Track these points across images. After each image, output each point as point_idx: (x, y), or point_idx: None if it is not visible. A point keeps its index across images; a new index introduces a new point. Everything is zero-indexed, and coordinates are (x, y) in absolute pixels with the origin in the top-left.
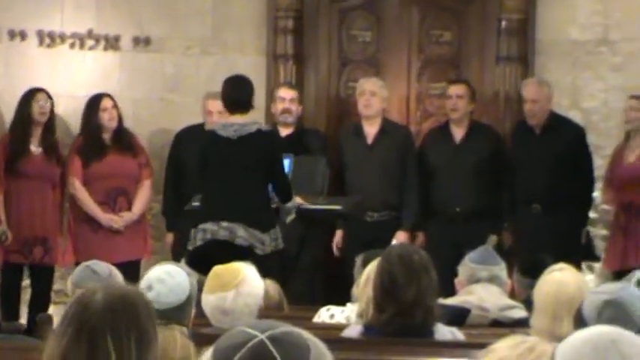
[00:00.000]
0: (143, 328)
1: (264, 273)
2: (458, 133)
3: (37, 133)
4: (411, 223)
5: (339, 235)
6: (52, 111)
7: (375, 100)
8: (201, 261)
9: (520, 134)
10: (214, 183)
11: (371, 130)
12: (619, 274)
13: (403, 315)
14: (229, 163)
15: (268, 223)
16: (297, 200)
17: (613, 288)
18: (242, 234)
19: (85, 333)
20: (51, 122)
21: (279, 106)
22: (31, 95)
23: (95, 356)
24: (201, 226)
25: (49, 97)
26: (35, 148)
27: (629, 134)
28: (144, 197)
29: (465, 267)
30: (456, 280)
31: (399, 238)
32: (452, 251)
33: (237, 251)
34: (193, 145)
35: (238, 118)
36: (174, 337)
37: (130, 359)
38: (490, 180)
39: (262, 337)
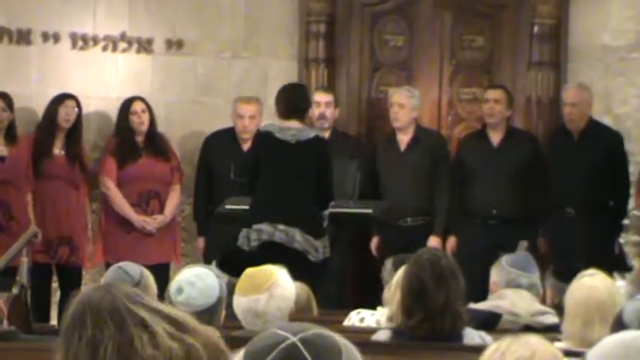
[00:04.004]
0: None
1: (318, 280)
2: (495, 137)
3: (60, 137)
4: (442, 227)
5: (375, 241)
6: (78, 118)
7: (403, 112)
8: (243, 262)
9: (558, 138)
10: (271, 185)
11: (404, 138)
12: None
13: (432, 320)
14: (287, 167)
15: (321, 230)
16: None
17: None
18: (299, 239)
19: (106, 315)
20: (76, 129)
21: (315, 111)
22: (60, 100)
23: (127, 329)
24: (255, 227)
25: (78, 104)
26: (58, 151)
27: None
28: (175, 201)
29: (505, 271)
30: (491, 282)
31: (432, 242)
32: (485, 254)
33: (292, 255)
34: (223, 149)
35: (294, 124)
36: None
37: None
38: (526, 184)
39: (294, 339)
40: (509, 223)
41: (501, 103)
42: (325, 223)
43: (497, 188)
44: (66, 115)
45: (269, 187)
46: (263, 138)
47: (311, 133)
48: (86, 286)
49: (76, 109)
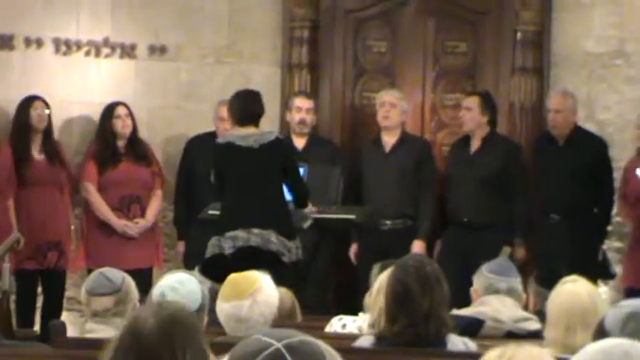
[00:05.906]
0: (197, 344)
1: (293, 280)
2: (474, 144)
3: (37, 140)
4: (426, 231)
5: (354, 247)
6: (49, 118)
7: (394, 112)
8: (225, 267)
9: (543, 144)
10: (241, 192)
11: (389, 140)
12: (632, 291)
13: (416, 326)
14: (254, 172)
15: (293, 231)
16: (312, 207)
17: (637, 302)
18: (274, 240)
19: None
20: (49, 129)
21: (295, 116)
22: (28, 103)
23: None
24: (229, 234)
25: (46, 104)
26: (37, 154)
27: None
28: (156, 206)
29: (483, 277)
30: (472, 289)
31: (416, 246)
32: (463, 261)
33: (267, 258)
34: (204, 154)
35: (251, 129)
36: None
37: None
38: (503, 191)
39: (279, 345)
40: (483, 230)
41: (473, 110)
42: (309, 221)
43: (469, 195)
44: (38, 116)
45: (239, 194)
46: (225, 148)
47: (271, 136)
48: (141, 309)
49: (46, 110)
